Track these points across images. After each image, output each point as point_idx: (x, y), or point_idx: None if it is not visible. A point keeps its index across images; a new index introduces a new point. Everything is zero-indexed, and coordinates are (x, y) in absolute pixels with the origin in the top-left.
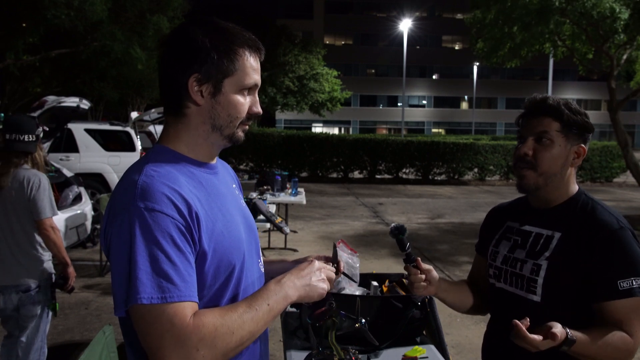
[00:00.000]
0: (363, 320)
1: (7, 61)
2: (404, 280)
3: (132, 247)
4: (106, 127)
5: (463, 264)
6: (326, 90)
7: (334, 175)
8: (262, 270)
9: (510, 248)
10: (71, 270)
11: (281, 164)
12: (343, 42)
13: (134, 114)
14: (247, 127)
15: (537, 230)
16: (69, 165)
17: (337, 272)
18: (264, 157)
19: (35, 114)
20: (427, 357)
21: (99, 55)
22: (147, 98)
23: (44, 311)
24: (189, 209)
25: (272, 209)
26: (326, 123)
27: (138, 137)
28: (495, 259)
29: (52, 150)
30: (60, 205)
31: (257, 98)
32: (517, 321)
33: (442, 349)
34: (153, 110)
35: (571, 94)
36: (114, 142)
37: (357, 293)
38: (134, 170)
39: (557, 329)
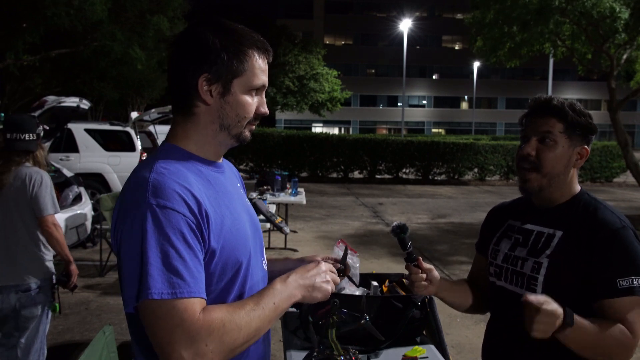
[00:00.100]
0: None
1: (7, 61)
2: (404, 280)
3: (144, 243)
4: (106, 127)
5: (463, 263)
6: (326, 90)
7: (334, 175)
8: (266, 269)
9: (511, 246)
10: (74, 267)
11: (281, 164)
12: (343, 42)
13: (134, 114)
14: (254, 127)
15: (538, 229)
16: (69, 165)
17: (344, 274)
18: (264, 157)
19: (35, 114)
20: (427, 357)
21: (99, 55)
22: (147, 98)
23: (44, 312)
24: (199, 206)
25: (272, 209)
26: (326, 123)
27: (138, 137)
28: (496, 257)
29: (52, 150)
30: (60, 205)
31: (264, 99)
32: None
33: (442, 349)
34: (153, 110)
35: (571, 94)
36: (114, 142)
37: (357, 293)
38: (144, 167)
39: (554, 304)
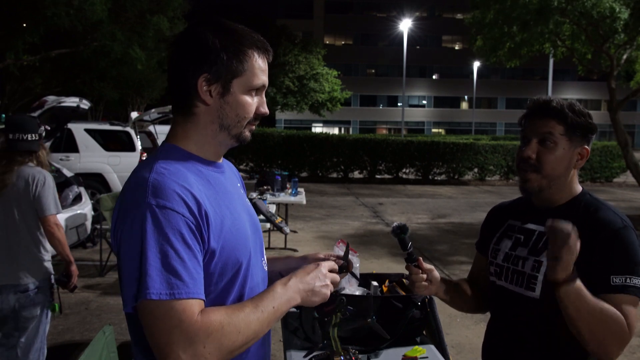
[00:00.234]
0: (374, 317)
1: (7, 61)
2: (404, 280)
3: (143, 243)
4: (106, 127)
5: (463, 263)
6: (326, 90)
7: (334, 175)
8: (266, 269)
9: (512, 246)
10: (74, 268)
11: (281, 164)
12: (343, 42)
13: (134, 114)
14: (254, 127)
15: (540, 229)
16: (69, 165)
17: (347, 270)
18: (264, 157)
19: (35, 114)
20: (427, 357)
21: (99, 55)
22: (147, 98)
23: (43, 312)
24: (198, 207)
25: (272, 209)
26: (326, 123)
27: (138, 137)
28: (496, 257)
29: (52, 150)
30: (60, 205)
31: (264, 99)
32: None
33: (442, 349)
34: (153, 110)
35: (571, 94)
36: (114, 142)
37: (357, 293)
38: (144, 167)
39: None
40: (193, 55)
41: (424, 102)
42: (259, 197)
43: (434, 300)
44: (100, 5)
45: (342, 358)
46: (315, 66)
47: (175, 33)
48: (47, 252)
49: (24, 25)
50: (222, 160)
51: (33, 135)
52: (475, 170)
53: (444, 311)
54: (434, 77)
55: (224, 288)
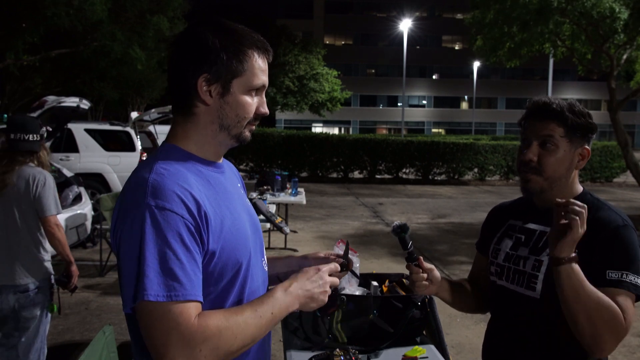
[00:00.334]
0: (375, 312)
1: (7, 61)
2: (404, 280)
3: (142, 244)
4: (106, 127)
5: (463, 263)
6: (326, 90)
7: (334, 175)
8: (266, 269)
9: (513, 246)
10: (74, 268)
11: (281, 164)
12: (343, 42)
13: (134, 114)
14: (254, 127)
15: (541, 228)
16: (69, 165)
17: (347, 268)
18: (264, 157)
19: (35, 114)
20: (427, 357)
21: (99, 55)
22: (147, 98)
23: (43, 312)
24: (198, 208)
25: (272, 209)
26: (326, 123)
27: (138, 137)
28: (497, 257)
29: (52, 150)
30: (60, 205)
31: (264, 99)
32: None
33: (442, 349)
34: (153, 110)
35: (571, 94)
36: (114, 142)
37: (357, 293)
38: (144, 168)
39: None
40: (193, 55)
41: (424, 102)
42: (259, 197)
43: (434, 300)
44: (100, 5)
45: (342, 358)
46: (315, 66)
47: (175, 33)
48: (47, 252)
49: (24, 25)
50: (222, 161)
51: (34, 135)
52: (475, 170)
53: (444, 311)
54: (434, 77)
55: (224, 288)
